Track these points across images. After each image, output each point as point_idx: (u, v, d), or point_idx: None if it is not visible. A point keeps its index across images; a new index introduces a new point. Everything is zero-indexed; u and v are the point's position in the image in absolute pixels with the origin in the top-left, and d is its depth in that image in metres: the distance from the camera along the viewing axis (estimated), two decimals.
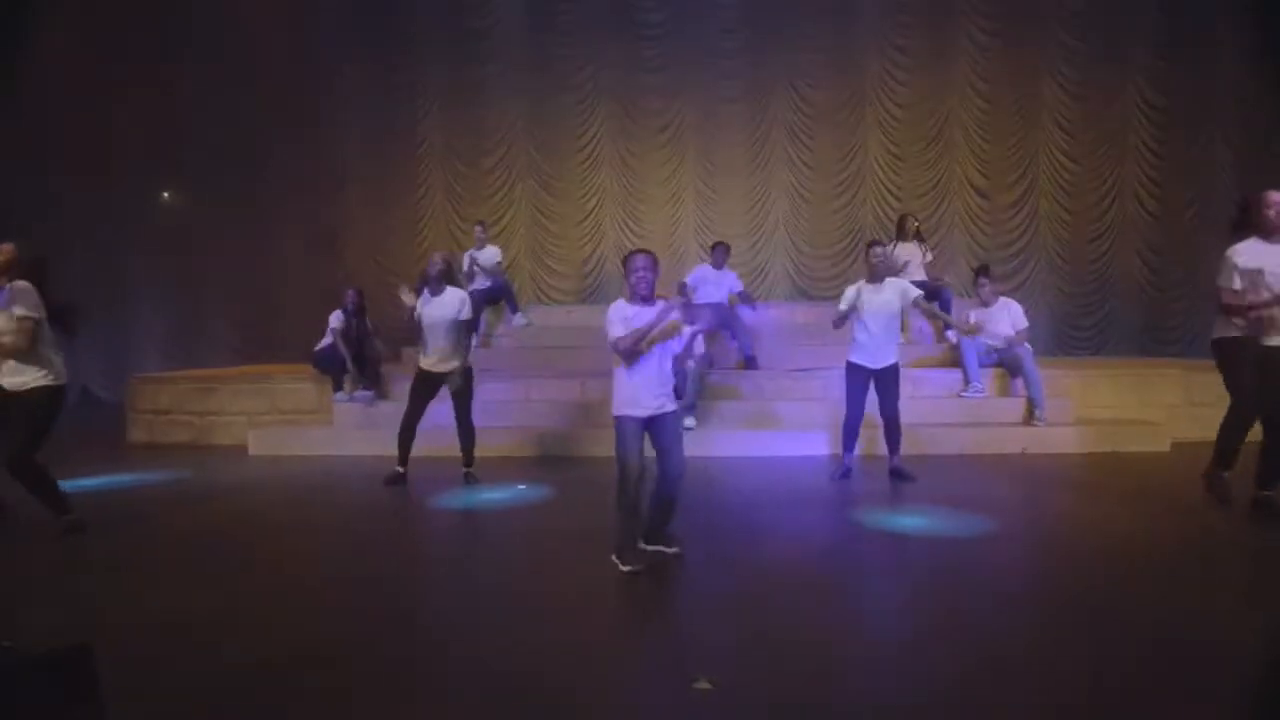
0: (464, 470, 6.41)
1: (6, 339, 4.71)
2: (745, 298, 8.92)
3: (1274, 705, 1.86)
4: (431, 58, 12.57)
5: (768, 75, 12.21)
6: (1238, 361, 4.94)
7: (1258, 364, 4.88)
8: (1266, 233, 4.86)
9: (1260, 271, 4.81)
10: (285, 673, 3.02)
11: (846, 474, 6.35)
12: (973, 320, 8.04)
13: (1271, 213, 4.83)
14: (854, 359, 6.23)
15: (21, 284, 4.75)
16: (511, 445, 7.55)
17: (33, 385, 4.79)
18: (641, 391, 4.16)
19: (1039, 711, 2.68)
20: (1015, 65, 11.92)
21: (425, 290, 6.20)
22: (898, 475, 6.30)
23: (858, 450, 6.54)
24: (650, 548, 4.31)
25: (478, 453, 6.46)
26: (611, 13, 12.26)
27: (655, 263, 4.20)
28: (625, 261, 4.29)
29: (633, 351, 4.09)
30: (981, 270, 8.28)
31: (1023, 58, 11.89)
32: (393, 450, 6.37)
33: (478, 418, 6.49)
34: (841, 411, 6.38)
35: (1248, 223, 4.95)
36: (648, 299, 4.16)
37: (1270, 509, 4.91)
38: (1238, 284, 4.88)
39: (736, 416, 7.84)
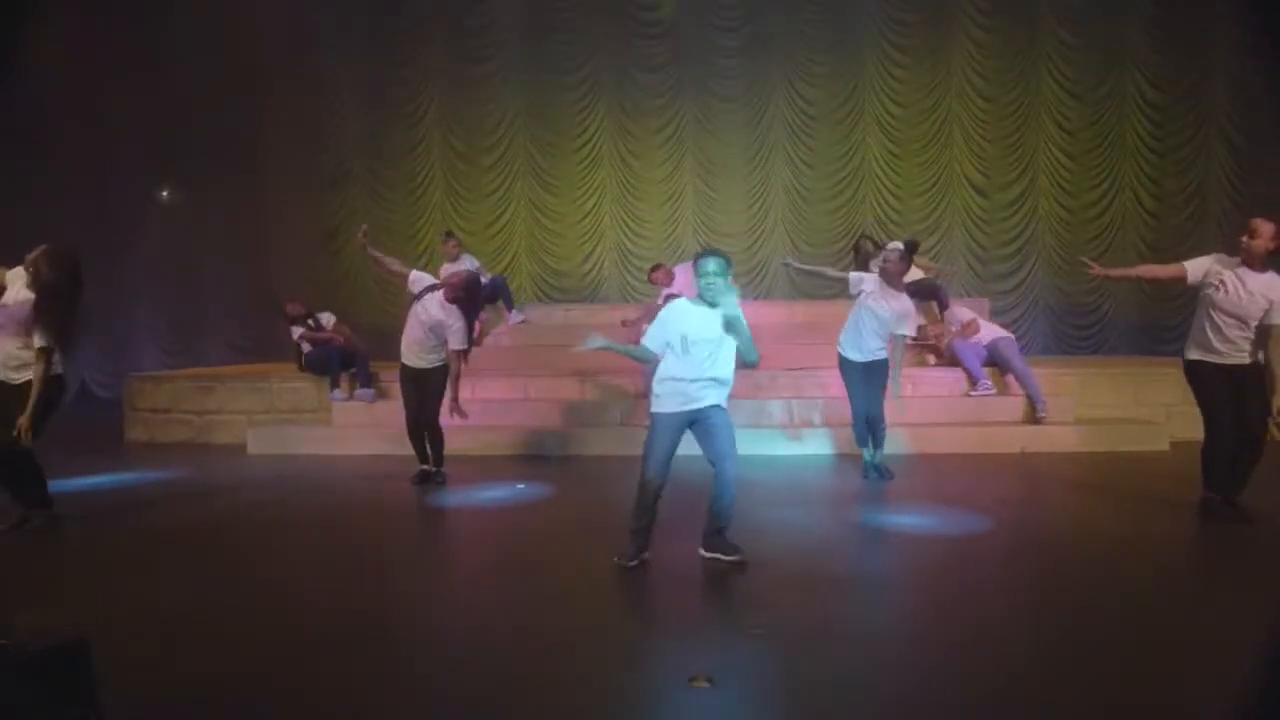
0: (434, 469, 6.33)
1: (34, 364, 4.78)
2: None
3: (1274, 704, 1.86)
4: (430, 56, 12.53)
5: (767, 74, 12.18)
6: (1206, 383, 4.79)
7: (1230, 385, 4.70)
8: (1250, 262, 4.56)
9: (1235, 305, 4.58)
10: (284, 670, 3.02)
11: (878, 472, 6.23)
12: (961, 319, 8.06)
13: (1259, 244, 4.50)
14: (847, 354, 6.16)
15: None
16: (510, 444, 7.51)
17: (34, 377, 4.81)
18: (684, 383, 3.93)
19: (1040, 710, 2.68)
20: (1014, 63, 11.90)
21: (436, 293, 6.02)
22: (878, 472, 6.26)
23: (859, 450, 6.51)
24: (708, 554, 4.10)
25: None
26: (611, 11, 12.24)
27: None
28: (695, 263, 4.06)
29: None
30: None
31: (1021, 56, 11.87)
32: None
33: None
34: (845, 410, 6.35)
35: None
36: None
37: (1234, 514, 4.80)
38: (1194, 279, 4.73)
39: (734, 415, 7.78)
